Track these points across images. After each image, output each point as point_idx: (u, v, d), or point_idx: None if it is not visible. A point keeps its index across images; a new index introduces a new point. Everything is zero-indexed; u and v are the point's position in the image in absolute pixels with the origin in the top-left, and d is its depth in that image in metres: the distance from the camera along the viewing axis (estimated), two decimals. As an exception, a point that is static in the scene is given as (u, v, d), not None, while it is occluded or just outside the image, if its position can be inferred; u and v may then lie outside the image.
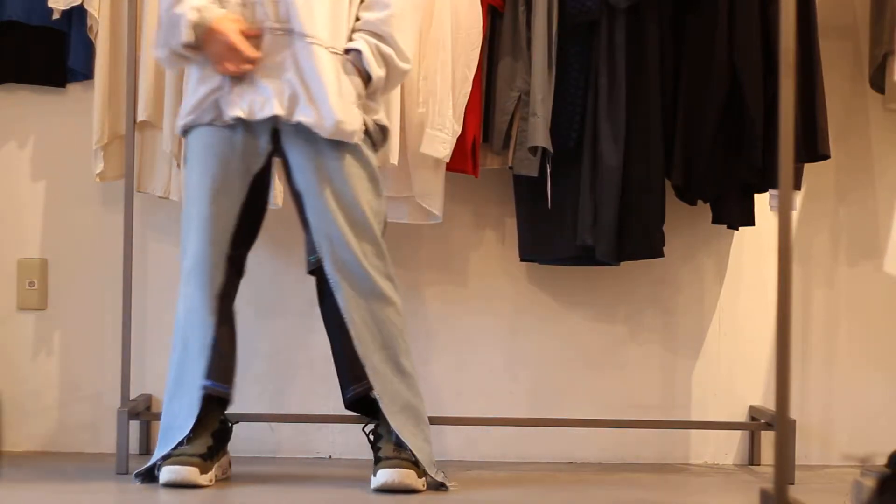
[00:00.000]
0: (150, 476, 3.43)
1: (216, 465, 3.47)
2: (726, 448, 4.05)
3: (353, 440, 3.92)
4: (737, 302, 4.08)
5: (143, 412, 3.90)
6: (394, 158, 3.69)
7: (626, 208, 3.75)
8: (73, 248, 4.05)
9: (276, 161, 3.52)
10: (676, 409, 4.05)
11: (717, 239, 4.06)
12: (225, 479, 3.53)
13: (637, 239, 3.77)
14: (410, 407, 3.42)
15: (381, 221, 3.45)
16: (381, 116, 3.49)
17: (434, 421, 3.67)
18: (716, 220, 3.91)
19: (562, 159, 3.77)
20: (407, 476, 3.34)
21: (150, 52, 3.75)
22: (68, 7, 3.85)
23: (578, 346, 4.05)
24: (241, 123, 3.40)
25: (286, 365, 4.01)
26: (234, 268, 3.48)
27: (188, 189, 3.47)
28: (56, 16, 3.87)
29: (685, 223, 4.00)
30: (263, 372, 4.03)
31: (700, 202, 3.87)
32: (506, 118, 3.78)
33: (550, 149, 3.73)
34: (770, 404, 3.87)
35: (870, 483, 2.75)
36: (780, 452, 2.84)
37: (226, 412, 3.55)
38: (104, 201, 4.03)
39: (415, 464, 3.37)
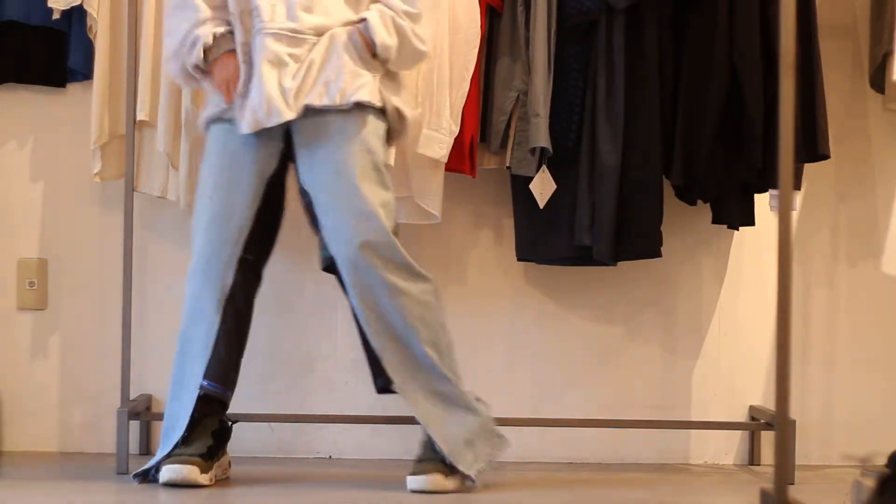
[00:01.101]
0: (147, 476, 3.43)
1: (216, 465, 3.47)
2: (726, 448, 4.06)
3: (353, 440, 3.92)
4: (737, 302, 4.08)
5: (143, 412, 3.90)
6: (389, 159, 3.69)
7: (624, 208, 3.74)
8: (72, 248, 4.05)
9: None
10: (676, 409, 4.05)
11: (717, 239, 4.06)
12: (225, 479, 3.53)
13: (634, 239, 3.77)
14: (436, 392, 3.40)
15: (391, 213, 3.40)
16: (399, 102, 3.45)
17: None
18: (716, 220, 3.91)
19: (560, 159, 3.77)
20: (431, 483, 3.36)
21: (149, 51, 3.79)
22: (68, 7, 3.85)
23: (577, 346, 4.05)
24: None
25: (286, 365, 4.01)
26: (250, 272, 3.48)
27: (201, 186, 3.47)
28: (56, 16, 3.87)
29: (685, 223, 4.00)
30: (263, 372, 4.03)
31: (700, 202, 3.87)
32: (504, 118, 3.78)
33: (551, 149, 3.73)
34: (770, 404, 3.87)
35: (870, 483, 2.75)
36: (780, 452, 2.84)
37: (226, 412, 3.55)
38: (104, 201, 4.03)
39: (442, 463, 3.37)
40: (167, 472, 3.37)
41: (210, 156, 3.46)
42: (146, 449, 3.98)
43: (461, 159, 3.78)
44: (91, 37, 3.88)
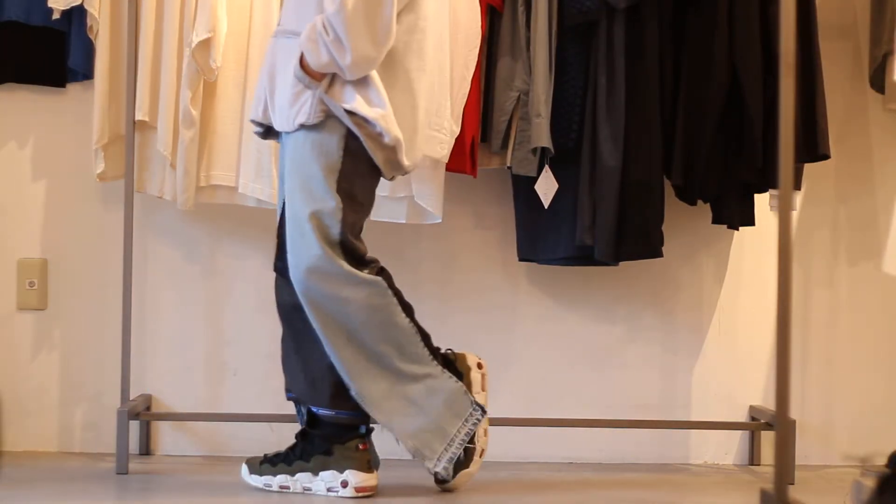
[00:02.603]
0: None
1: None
2: (726, 448, 4.06)
3: (353, 440, 3.91)
4: (737, 302, 4.08)
5: (143, 412, 3.90)
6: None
7: (625, 208, 3.75)
8: (73, 248, 4.05)
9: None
10: (676, 409, 4.05)
11: (717, 239, 4.06)
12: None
13: (636, 239, 3.77)
14: (395, 388, 3.38)
15: (327, 224, 3.30)
16: (355, 105, 3.27)
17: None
18: (716, 220, 3.91)
19: (561, 159, 3.77)
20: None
21: (148, 51, 3.80)
22: (68, 7, 3.85)
23: (578, 346, 4.06)
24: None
25: (286, 365, 4.01)
26: (281, 278, 3.47)
27: None
28: (56, 16, 3.87)
29: (685, 223, 4.00)
30: (263, 372, 4.02)
31: (700, 202, 3.87)
32: (504, 118, 3.78)
33: (552, 150, 3.73)
34: (770, 404, 3.87)
35: (870, 483, 2.75)
36: (780, 452, 2.84)
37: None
38: (104, 201, 4.03)
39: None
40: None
41: None
42: (146, 449, 3.98)
43: (462, 159, 3.78)
44: (91, 37, 3.88)
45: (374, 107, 3.27)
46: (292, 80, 3.28)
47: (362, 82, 3.28)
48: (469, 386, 3.42)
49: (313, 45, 3.23)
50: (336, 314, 3.33)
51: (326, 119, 3.29)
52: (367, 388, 3.37)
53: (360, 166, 3.32)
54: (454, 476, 3.40)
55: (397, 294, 3.40)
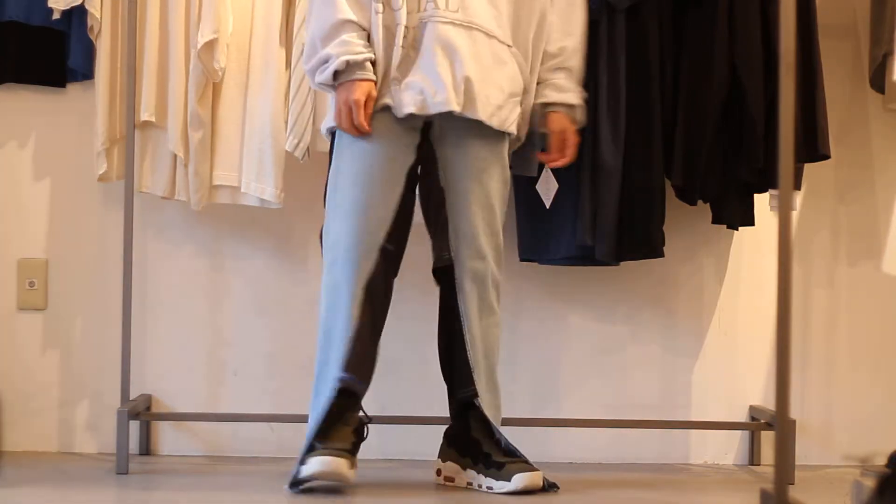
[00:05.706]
0: (300, 483, 3.33)
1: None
2: (726, 448, 4.06)
3: (353, 440, 3.91)
4: (736, 302, 4.08)
5: (143, 412, 3.90)
6: None
7: (626, 209, 3.75)
8: (73, 248, 4.05)
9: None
10: (676, 409, 4.05)
11: (717, 239, 4.06)
12: None
13: (637, 239, 3.77)
14: (496, 419, 3.48)
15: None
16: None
17: (434, 421, 3.67)
18: (716, 220, 3.91)
19: (562, 159, 3.77)
20: (538, 478, 3.43)
21: (154, 52, 3.78)
22: (68, 7, 3.85)
23: (578, 346, 4.06)
24: (391, 113, 3.38)
25: (286, 365, 4.02)
26: (387, 263, 3.41)
27: (339, 176, 3.39)
28: (56, 16, 3.87)
29: (685, 223, 4.00)
30: (263, 372, 4.03)
31: (700, 202, 3.87)
32: (506, 118, 3.78)
33: (552, 150, 3.73)
34: (770, 404, 3.87)
35: (870, 483, 2.75)
36: (780, 452, 2.84)
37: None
38: (105, 201, 4.03)
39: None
40: (314, 465, 3.28)
41: (349, 144, 3.38)
42: (146, 449, 3.98)
43: (461, 159, 3.77)
44: (92, 37, 3.88)
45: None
46: (504, 82, 3.41)
47: None
48: None
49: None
50: (487, 324, 3.48)
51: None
52: (486, 403, 3.50)
53: None
54: None
55: None
